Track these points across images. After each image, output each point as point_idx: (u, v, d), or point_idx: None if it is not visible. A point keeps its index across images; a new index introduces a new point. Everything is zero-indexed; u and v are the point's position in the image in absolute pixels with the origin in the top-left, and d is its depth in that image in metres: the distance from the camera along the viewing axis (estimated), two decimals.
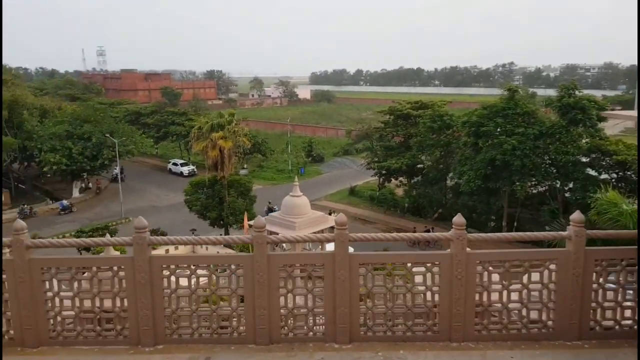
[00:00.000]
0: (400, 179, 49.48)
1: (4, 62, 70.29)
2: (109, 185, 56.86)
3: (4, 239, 5.25)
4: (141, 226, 5.18)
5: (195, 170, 60.40)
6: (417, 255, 5.49)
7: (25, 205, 46.58)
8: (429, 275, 5.36)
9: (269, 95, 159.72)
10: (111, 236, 35.01)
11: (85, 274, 5.24)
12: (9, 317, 5.22)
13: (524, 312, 5.43)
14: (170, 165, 65.51)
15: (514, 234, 5.44)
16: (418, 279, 5.39)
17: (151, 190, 56.26)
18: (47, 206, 49.36)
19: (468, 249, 5.33)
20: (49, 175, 53.90)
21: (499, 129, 36.98)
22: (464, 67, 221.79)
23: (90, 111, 53.78)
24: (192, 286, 5.27)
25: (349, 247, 5.36)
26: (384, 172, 48.84)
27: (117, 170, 53.25)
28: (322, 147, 76.75)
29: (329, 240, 5.43)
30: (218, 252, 29.60)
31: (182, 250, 22.47)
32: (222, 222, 36.46)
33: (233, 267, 5.28)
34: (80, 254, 22.53)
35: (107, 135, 49.40)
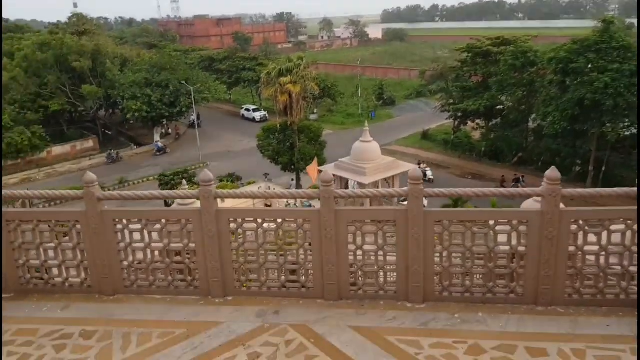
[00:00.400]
0: (478, 121, 47.15)
1: (85, 12, 73.31)
2: (187, 130, 58.90)
3: (76, 192, 5.34)
4: (207, 179, 5.04)
5: (267, 115, 60.97)
6: (502, 212, 4.97)
7: (112, 150, 49.50)
8: (514, 234, 4.85)
9: (339, 37, 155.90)
10: (190, 180, 36.47)
11: (156, 226, 5.24)
12: (86, 266, 5.37)
13: (624, 276, 4.83)
14: (243, 111, 66.58)
15: (617, 189, 4.74)
16: (502, 238, 4.90)
17: (226, 135, 57.72)
18: (132, 151, 52.22)
19: (562, 206, 4.74)
20: (132, 122, 56.57)
21: (590, 66, 33.85)
22: None
23: (167, 59, 55.10)
24: (260, 240, 5.13)
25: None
26: (459, 114, 46.76)
27: (194, 116, 54.89)
28: (393, 89, 74.48)
29: (401, 195, 5.03)
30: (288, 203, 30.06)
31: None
32: (293, 167, 36.87)
33: (300, 221, 5.05)
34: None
35: (183, 82, 50.64)
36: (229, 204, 33.64)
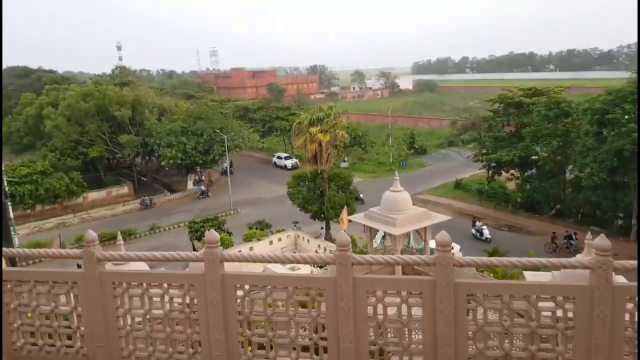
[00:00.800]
0: (512, 171, 46.01)
1: (128, 64, 76.75)
2: (219, 177, 59.57)
3: (76, 250, 4.95)
4: (213, 240, 4.57)
5: (298, 163, 61.31)
6: (544, 286, 4.30)
7: (146, 197, 50.19)
8: (559, 311, 4.16)
9: (370, 88, 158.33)
10: (221, 227, 36.17)
11: (157, 291, 4.76)
12: (82, 332, 4.90)
13: None
14: (274, 159, 67.21)
15: None
16: (545, 315, 4.20)
17: (257, 182, 58.04)
18: (165, 197, 52.85)
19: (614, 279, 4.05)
20: (167, 169, 57.69)
21: (626, 116, 32.85)
22: (583, 49, 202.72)
23: (203, 108, 56.61)
24: (268, 310, 4.57)
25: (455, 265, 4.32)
26: (493, 164, 45.75)
27: (226, 163, 55.56)
28: (424, 138, 74.20)
29: (428, 264, 4.43)
30: (319, 247, 29.21)
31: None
32: (322, 215, 36.35)
33: (314, 291, 4.49)
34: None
35: (217, 130, 51.62)
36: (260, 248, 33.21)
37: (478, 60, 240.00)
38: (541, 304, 4.19)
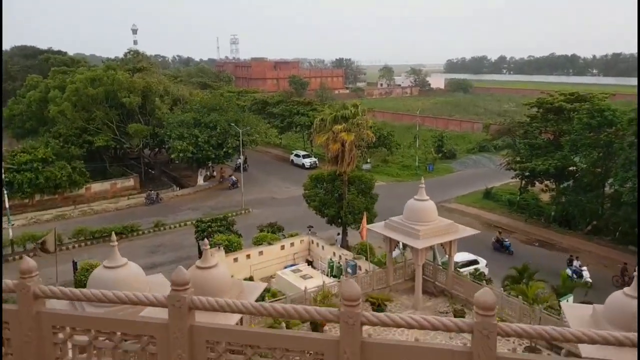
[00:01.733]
0: (547, 182, 44.48)
1: (142, 50, 76.66)
2: (232, 174, 58.99)
3: (8, 282, 4.10)
4: (181, 282, 3.69)
5: (317, 162, 60.48)
6: None
7: (152, 191, 49.68)
8: None
9: (399, 85, 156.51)
10: (230, 228, 35.34)
11: (108, 342, 3.90)
12: None
13: None
14: (292, 157, 66.48)
15: None
16: None
17: (272, 181, 57.37)
18: (174, 192, 52.38)
19: None
20: (176, 162, 57.22)
21: None
22: (630, 53, 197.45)
23: (218, 99, 56.01)
24: None
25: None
26: (527, 173, 44.24)
27: (240, 159, 54.99)
28: (454, 142, 72.76)
29: (462, 330, 3.49)
30: (333, 254, 27.92)
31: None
32: (340, 220, 35.40)
33: (310, 355, 3.58)
34: None
35: (232, 124, 50.91)
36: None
37: (516, 61, 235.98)
38: None
